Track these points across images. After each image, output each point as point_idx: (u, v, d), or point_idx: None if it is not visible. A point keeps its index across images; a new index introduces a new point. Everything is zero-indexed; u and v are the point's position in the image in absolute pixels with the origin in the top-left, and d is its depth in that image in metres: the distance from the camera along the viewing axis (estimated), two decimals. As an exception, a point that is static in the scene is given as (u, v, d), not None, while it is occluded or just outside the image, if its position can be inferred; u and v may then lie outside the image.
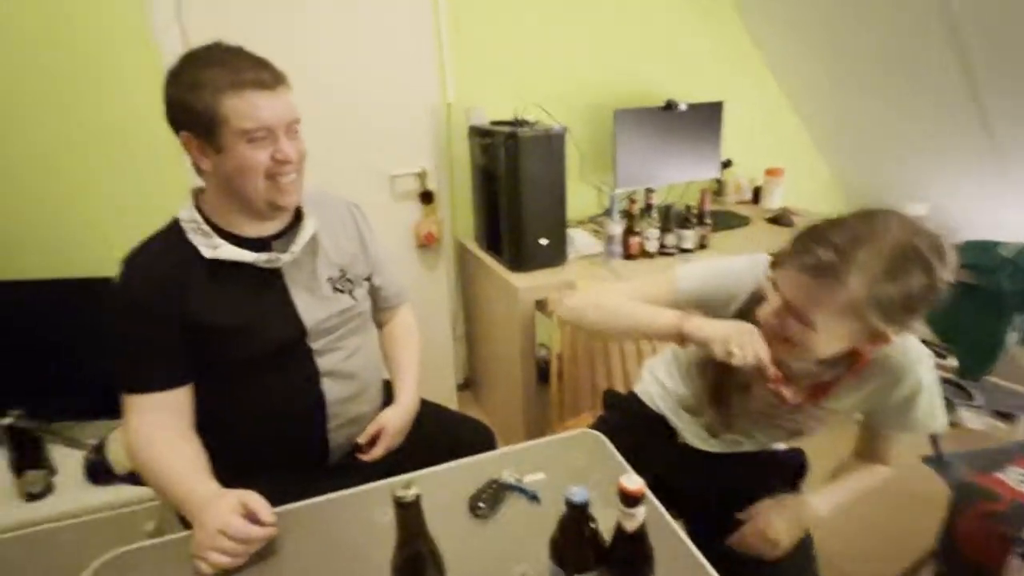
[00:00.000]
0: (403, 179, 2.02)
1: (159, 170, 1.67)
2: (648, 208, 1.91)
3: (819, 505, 0.94)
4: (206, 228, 0.91)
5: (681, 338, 0.88)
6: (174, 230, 0.92)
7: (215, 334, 0.91)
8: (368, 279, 1.12)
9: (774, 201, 2.42)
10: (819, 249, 0.73)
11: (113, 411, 1.21)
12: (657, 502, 0.86)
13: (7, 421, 1.34)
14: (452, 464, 0.97)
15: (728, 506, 0.97)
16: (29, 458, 1.37)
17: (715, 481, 1.07)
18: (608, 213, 1.87)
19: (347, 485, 0.93)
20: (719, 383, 0.98)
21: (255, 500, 0.79)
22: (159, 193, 1.47)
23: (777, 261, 0.81)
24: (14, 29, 1.51)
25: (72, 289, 1.48)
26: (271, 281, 0.96)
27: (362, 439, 1.07)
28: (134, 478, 1.42)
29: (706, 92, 2.30)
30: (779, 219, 2.23)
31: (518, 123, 1.69)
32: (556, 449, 1.01)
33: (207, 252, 0.90)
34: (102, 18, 1.57)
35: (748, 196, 2.53)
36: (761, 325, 0.82)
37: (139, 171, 1.68)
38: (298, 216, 1.00)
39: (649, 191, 2.09)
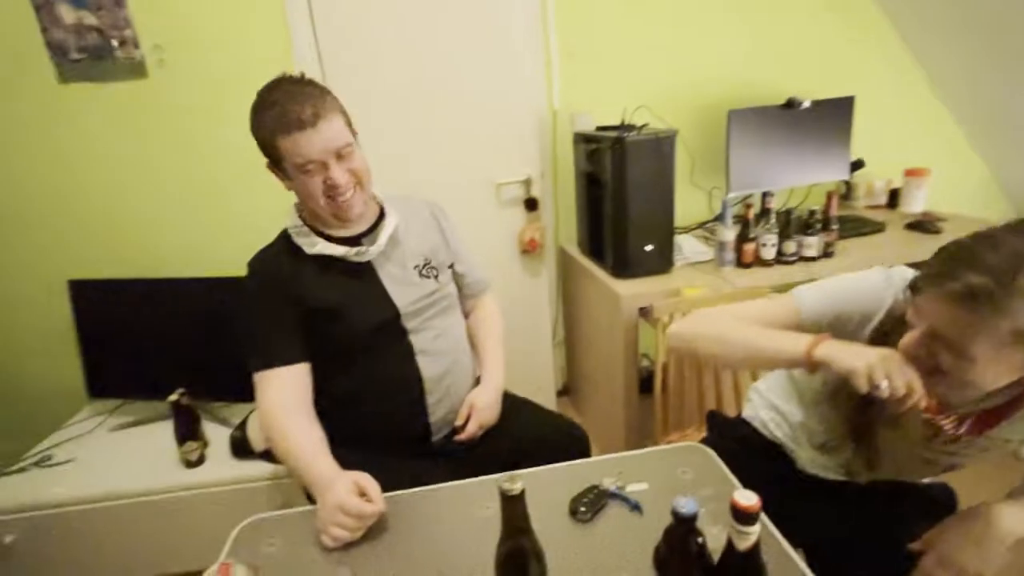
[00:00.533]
0: (508, 187, 2.07)
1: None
2: (765, 213, 1.79)
3: (1016, 519, 0.73)
4: (306, 230, 1.07)
5: (812, 366, 0.76)
6: (283, 237, 1.10)
7: (324, 315, 1.05)
8: (451, 266, 1.24)
9: (915, 204, 2.16)
10: (970, 273, 0.63)
11: (254, 395, 1.37)
12: (772, 525, 0.80)
13: (174, 397, 1.57)
14: (553, 466, 0.98)
15: (858, 538, 0.87)
16: (189, 431, 1.60)
17: (841, 512, 0.96)
18: (720, 218, 1.77)
19: (450, 474, 0.98)
20: (862, 416, 0.84)
21: (367, 481, 0.87)
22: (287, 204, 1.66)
23: (918, 285, 0.70)
24: (181, 61, 1.79)
25: (223, 286, 1.70)
26: (365, 271, 1.10)
27: (458, 422, 1.15)
28: (268, 456, 1.59)
29: (833, 86, 2.11)
30: (920, 225, 1.98)
31: (625, 127, 1.67)
32: (661, 460, 0.97)
33: (308, 249, 1.05)
34: (252, 40, 1.80)
35: (883, 200, 2.27)
36: (905, 355, 0.71)
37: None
38: (383, 215, 1.14)
39: (766, 195, 1.96)
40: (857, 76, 2.18)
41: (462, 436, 1.14)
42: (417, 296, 1.12)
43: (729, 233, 1.75)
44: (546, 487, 0.90)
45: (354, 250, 1.06)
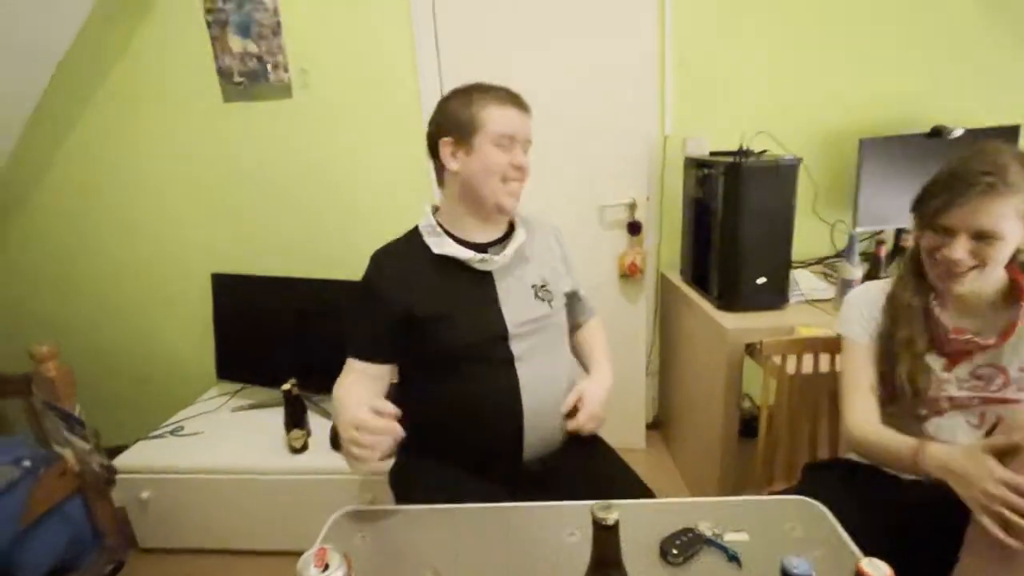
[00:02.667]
0: (613, 209, 2.05)
1: (404, 196, 2.01)
2: (900, 251, 1.61)
3: None
4: (438, 230, 1.11)
5: (920, 468, 0.90)
6: (414, 234, 1.14)
7: (429, 322, 1.06)
8: (568, 294, 1.23)
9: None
10: (981, 178, 0.87)
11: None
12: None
13: (286, 386, 1.71)
14: (646, 502, 0.94)
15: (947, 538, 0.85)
16: (296, 419, 1.73)
17: (936, 514, 0.89)
18: (844, 254, 1.62)
19: (536, 494, 0.96)
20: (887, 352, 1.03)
21: (383, 403, 0.90)
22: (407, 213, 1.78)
23: (938, 210, 0.92)
24: (331, 82, 1.98)
25: (337, 288, 1.84)
26: (484, 281, 1.10)
27: (563, 409, 1.10)
28: (363, 452, 1.68)
29: (993, 113, 1.86)
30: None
31: (743, 153, 1.59)
32: (764, 510, 0.89)
33: (435, 248, 1.08)
34: (381, 64, 1.96)
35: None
36: (942, 263, 0.93)
37: (390, 196, 2.04)
38: (511, 228, 1.16)
39: (901, 232, 1.78)
40: (1025, 103, 1.91)
41: (572, 425, 1.08)
42: (528, 318, 1.10)
43: (856, 271, 1.60)
44: (637, 522, 0.86)
45: (479, 256, 1.08)
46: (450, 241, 1.09)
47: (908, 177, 1.84)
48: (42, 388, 1.51)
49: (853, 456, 1.13)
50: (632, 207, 2.03)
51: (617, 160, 2.00)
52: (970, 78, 1.93)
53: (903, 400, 1.01)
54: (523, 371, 1.08)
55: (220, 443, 1.81)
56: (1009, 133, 1.79)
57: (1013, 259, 0.95)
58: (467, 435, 1.09)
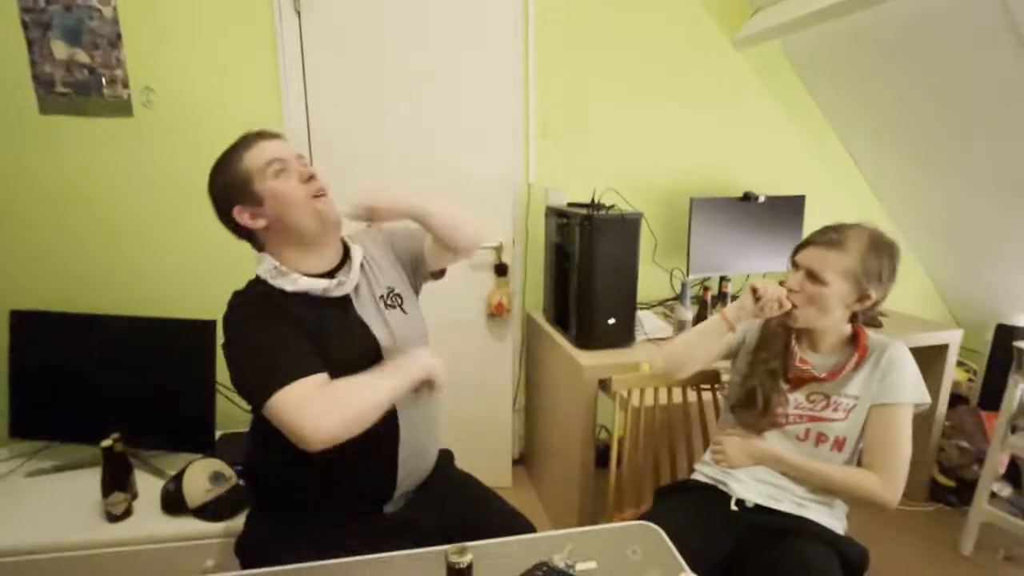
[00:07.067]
0: (481, 251, 2.12)
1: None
2: (722, 296, 1.88)
3: (774, 447, 1.22)
4: (284, 269, 1.02)
5: (725, 318, 1.23)
6: (258, 283, 1.04)
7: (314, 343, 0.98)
8: (416, 291, 1.25)
9: (860, 299, 2.31)
10: (829, 233, 1.17)
11: (196, 446, 1.28)
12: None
13: (107, 442, 1.47)
14: (502, 540, 0.96)
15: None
16: (118, 480, 1.49)
17: (769, 553, 1.09)
18: (679, 298, 1.86)
19: (400, 542, 0.94)
20: (753, 362, 1.27)
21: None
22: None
23: (797, 249, 1.21)
24: (184, 119, 1.82)
25: (177, 328, 1.64)
26: (343, 307, 1.06)
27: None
28: (202, 513, 1.49)
29: (787, 186, 2.29)
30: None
31: (595, 206, 1.76)
32: (611, 538, 0.97)
33: (289, 287, 1.00)
34: (242, 94, 1.87)
35: (831, 292, 2.43)
36: (789, 290, 1.18)
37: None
38: (347, 253, 1.12)
39: (723, 279, 2.07)
40: (810, 179, 2.38)
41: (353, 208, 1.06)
42: (390, 329, 1.09)
43: (688, 313, 1.83)
44: (494, 561, 0.88)
45: (335, 281, 1.04)
46: (300, 275, 1.02)
47: (728, 232, 2.18)
48: None
49: (700, 477, 1.29)
50: (499, 250, 2.12)
51: (485, 204, 2.09)
52: (771, 157, 2.36)
53: (755, 410, 1.24)
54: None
55: (11, 517, 1.48)
56: (797, 201, 2.22)
57: (855, 316, 1.20)
58: (335, 476, 1.03)
